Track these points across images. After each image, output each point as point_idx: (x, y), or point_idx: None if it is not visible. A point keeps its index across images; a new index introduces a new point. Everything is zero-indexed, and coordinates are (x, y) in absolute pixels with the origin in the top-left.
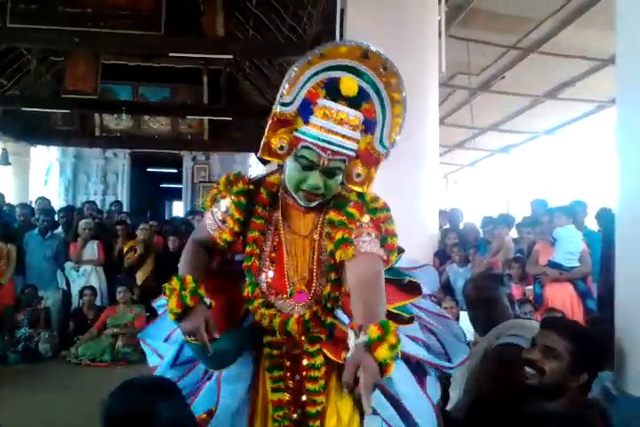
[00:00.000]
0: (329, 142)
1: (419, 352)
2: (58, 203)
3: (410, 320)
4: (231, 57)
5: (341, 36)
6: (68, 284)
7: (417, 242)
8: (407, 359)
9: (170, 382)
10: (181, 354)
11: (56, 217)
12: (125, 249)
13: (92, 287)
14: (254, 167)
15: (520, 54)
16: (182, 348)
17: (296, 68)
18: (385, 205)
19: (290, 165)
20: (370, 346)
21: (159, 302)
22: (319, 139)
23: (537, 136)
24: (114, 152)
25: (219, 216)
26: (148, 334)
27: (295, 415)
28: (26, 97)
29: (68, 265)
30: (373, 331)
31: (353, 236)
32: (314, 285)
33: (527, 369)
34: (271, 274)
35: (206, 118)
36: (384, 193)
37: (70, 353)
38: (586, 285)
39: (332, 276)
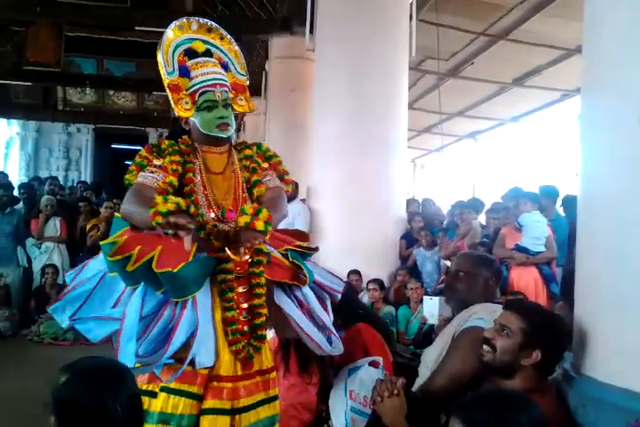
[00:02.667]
0: (213, 78)
1: (320, 278)
2: (18, 178)
3: (315, 249)
4: None
5: (312, 16)
6: (29, 260)
7: (383, 225)
8: (312, 287)
9: (118, 365)
10: (145, 305)
11: (16, 192)
12: (88, 227)
13: (53, 266)
14: None
15: (489, 41)
16: (145, 299)
17: (163, 43)
18: (275, 153)
19: (198, 118)
20: (248, 224)
21: (89, 272)
22: (206, 80)
23: (503, 123)
24: (77, 127)
25: (154, 173)
26: (92, 310)
27: (245, 328)
28: None
29: (30, 242)
30: (248, 208)
31: (262, 177)
32: (239, 206)
33: (484, 347)
34: (207, 209)
35: None
36: (351, 176)
37: (32, 331)
38: (550, 269)
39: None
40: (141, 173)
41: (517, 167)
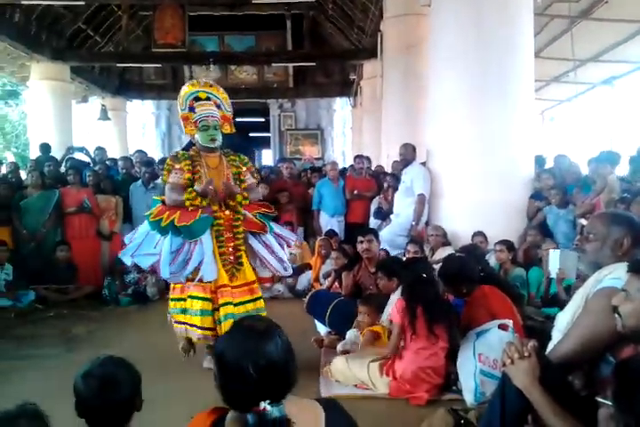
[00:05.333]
0: (208, 113)
1: (280, 231)
2: (156, 155)
3: (273, 213)
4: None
5: None
6: None
7: (510, 184)
8: (275, 237)
9: (272, 332)
10: (172, 245)
11: (156, 168)
12: None
13: None
14: (339, 112)
15: None
16: (172, 242)
17: (181, 94)
18: (249, 160)
19: (199, 135)
20: (237, 196)
21: (140, 232)
22: (203, 114)
23: None
24: None
25: (177, 174)
26: (143, 250)
27: (232, 257)
28: (119, 53)
29: None
30: (243, 196)
31: (244, 177)
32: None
33: (615, 315)
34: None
35: (291, 65)
36: (472, 134)
37: None
38: None
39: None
40: (170, 174)
41: None
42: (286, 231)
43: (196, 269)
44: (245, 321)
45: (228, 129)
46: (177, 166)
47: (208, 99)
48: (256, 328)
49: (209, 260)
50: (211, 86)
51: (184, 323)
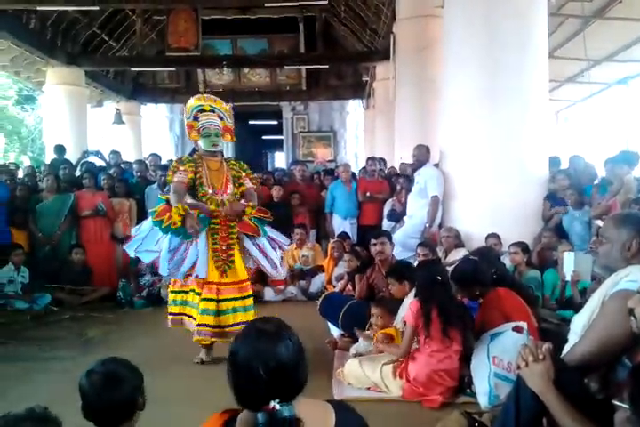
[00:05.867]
0: (210, 122)
1: (274, 235)
2: (171, 158)
3: (269, 217)
4: (326, 2)
5: None
6: None
7: (524, 186)
8: (268, 241)
9: (284, 325)
10: (171, 244)
11: None
12: None
13: None
14: (352, 114)
15: None
16: (171, 241)
17: (188, 105)
18: (248, 167)
19: (202, 141)
20: (245, 210)
21: (145, 227)
22: (205, 122)
23: None
24: None
25: (182, 174)
26: (145, 246)
27: (224, 255)
28: (134, 57)
29: None
30: (250, 206)
31: (243, 181)
32: (226, 190)
33: (631, 318)
34: (208, 188)
35: (303, 68)
36: (485, 135)
37: None
38: None
39: (236, 190)
40: (175, 174)
41: None
42: (280, 236)
43: (193, 266)
44: (257, 323)
45: (229, 138)
46: (181, 168)
47: (212, 111)
48: (267, 330)
49: (203, 258)
50: (215, 101)
51: (182, 314)
